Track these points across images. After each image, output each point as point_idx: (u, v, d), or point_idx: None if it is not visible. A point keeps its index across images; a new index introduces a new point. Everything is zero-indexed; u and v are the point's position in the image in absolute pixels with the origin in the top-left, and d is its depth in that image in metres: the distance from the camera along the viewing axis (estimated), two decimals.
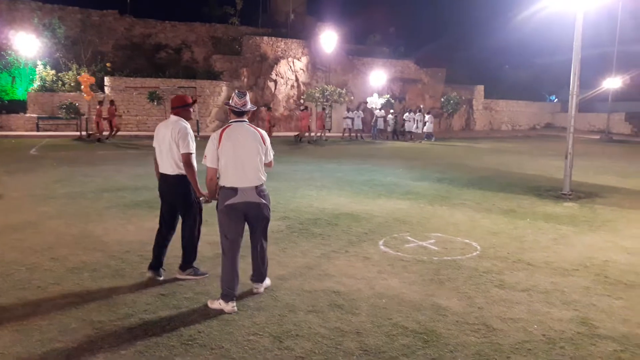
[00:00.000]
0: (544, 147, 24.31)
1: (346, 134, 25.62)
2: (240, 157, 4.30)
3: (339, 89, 25.30)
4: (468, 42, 40.71)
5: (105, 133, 21.24)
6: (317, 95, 24.85)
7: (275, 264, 5.43)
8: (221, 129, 4.44)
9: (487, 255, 6.04)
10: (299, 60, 30.17)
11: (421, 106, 28.86)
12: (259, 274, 4.71)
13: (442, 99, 30.18)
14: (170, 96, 25.87)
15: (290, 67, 29.67)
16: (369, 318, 4.14)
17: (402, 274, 5.28)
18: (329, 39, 27.68)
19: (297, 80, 29.93)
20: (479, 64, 39.52)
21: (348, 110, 25.37)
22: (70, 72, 26.61)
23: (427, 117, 26.64)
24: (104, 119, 21.24)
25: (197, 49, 31.00)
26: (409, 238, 6.72)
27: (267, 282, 4.82)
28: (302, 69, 30.26)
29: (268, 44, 29.49)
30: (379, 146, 23.00)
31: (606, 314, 4.36)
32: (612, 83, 30.07)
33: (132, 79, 26.84)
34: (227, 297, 4.27)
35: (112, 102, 22.06)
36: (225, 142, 4.30)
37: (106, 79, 26.47)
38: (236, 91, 4.63)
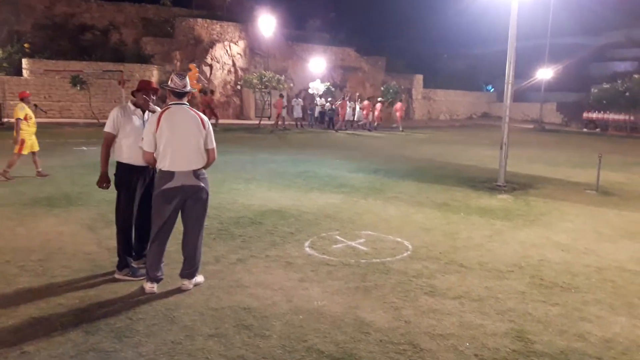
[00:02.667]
0: (479, 136, 24.64)
1: (280, 123, 24.87)
2: (178, 140, 4.21)
3: (277, 75, 24.46)
4: (407, 31, 40.89)
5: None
6: (254, 81, 23.92)
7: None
8: (160, 112, 4.33)
9: (419, 256, 5.61)
10: (235, 44, 29.03)
11: (357, 94, 28.50)
12: (189, 269, 4.43)
13: (382, 88, 29.95)
14: (96, 80, 24.28)
15: (227, 51, 28.50)
16: (280, 341, 3.56)
17: (326, 282, 4.74)
18: (267, 23, 26.74)
19: (234, 65, 28.80)
20: (417, 53, 39.77)
21: (280, 96, 24.60)
22: None
23: (357, 105, 26.39)
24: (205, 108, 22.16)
25: (126, 31, 29.16)
26: (337, 237, 6.19)
27: (199, 278, 4.54)
28: (240, 54, 29.16)
29: (203, 27, 28.14)
30: (318, 135, 22.48)
31: (543, 325, 4.00)
32: (545, 74, 30.93)
33: (53, 61, 24.81)
34: (150, 278, 4.33)
35: (212, 92, 23.77)
36: (163, 125, 4.20)
37: (24, 61, 24.36)
38: (175, 72, 4.57)
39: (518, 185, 10.32)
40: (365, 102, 26.43)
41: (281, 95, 24.62)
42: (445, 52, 44.12)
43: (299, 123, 25.88)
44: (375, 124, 26.38)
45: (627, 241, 6.51)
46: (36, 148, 9.73)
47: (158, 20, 29.65)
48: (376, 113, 26.35)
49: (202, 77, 26.20)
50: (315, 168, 11.85)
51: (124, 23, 29.57)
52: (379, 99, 27.82)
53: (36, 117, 10.02)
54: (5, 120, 20.61)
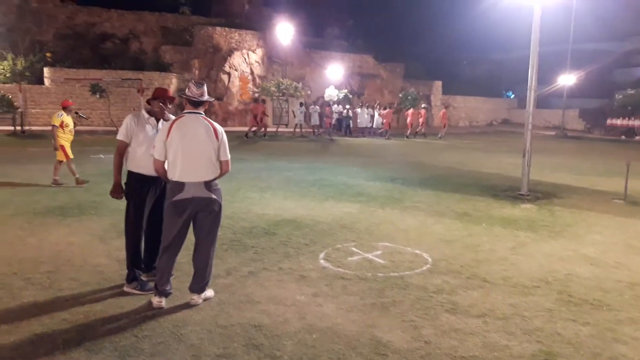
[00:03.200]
0: (500, 143, 24.19)
1: (297, 130, 24.74)
2: (189, 150, 4.06)
3: (295, 83, 24.40)
4: (426, 37, 40.56)
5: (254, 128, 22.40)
6: (272, 89, 23.89)
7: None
8: (172, 120, 4.19)
9: (439, 270, 5.36)
10: (254, 52, 29.09)
11: (377, 102, 28.34)
12: (199, 283, 4.25)
13: (400, 95, 29.68)
14: (115, 89, 24.49)
15: (245, 59, 28.56)
16: None
17: (341, 297, 4.52)
18: (285, 30, 26.74)
19: (252, 73, 28.84)
20: (436, 59, 39.38)
21: (301, 104, 24.53)
22: (5, 62, 24.70)
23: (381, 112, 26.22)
24: (255, 115, 22.58)
25: (145, 40, 29.44)
26: (353, 249, 5.97)
27: (209, 292, 4.36)
28: (258, 62, 29.20)
29: (221, 35, 28.27)
30: (335, 142, 22.28)
31: (573, 347, 3.72)
32: (567, 80, 30.32)
33: (74, 70, 25.14)
34: (159, 292, 4.17)
35: (263, 101, 23.96)
36: (174, 134, 4.06)
37: (45, 70, 24.72)
38: (193, 81, 4.38)
39: (542, 194, 9.97)
40: (385, 110, 26.12)
41: (263, 101, 24.17)
42: (465, 58, 43.62)
43: (316, 130, 25.72)
44: (422, 129, 26.27)
45: None
46: (70, 156, 9.81)
47: (177, 29, 29.87)
48: (421, 119, 26.46)
49: (252, 87, 26.59)
50: (331, 176, 11.65)
51: (143, 32, 29.86)
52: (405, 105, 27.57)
53: (80, 124, 10.38)
54: (27, 128, 20.86)
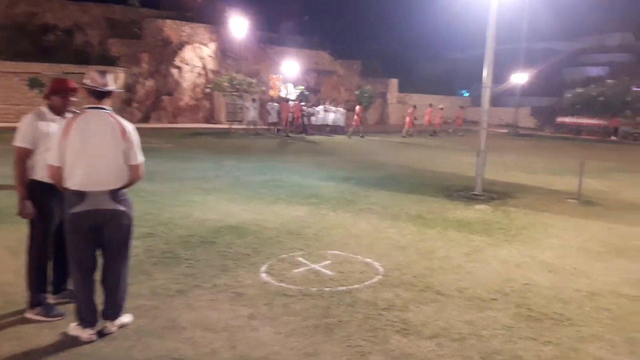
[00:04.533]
0: (455, 141, 24.25)
1: (251, 127, 24.05)
2: (91, 154, 3.45)
3: (249, 79, 23.68)
4: (383, 35, 40.57)
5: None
6: (225, 84, 23.09)
7: None
8: (71, 117, 3.58)
9: (390, 281, 4.93)
10: (206, 46, 28.13)
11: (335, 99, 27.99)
12: (112, 308, 3.62)
13: (357, 92, 29.41)
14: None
15: (197, 53, 27.57)
16: None
17: (280, 319, 4.01)
18: (239, 24, 25.93)
19: (204, 67, 27.89)
20: (393, 57, 39.42)
21: (253, 100, 23.86)
22: None
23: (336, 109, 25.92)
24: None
25: (91, 32, 27.96)
26: (300, 259, 5.47)
27: (125, 318, 3.73)
28: (210, 56, 28.25)
29: (172, 28, 27.19)
30: (291, 140, 21.76)
31: None
32: (520, 78, 30.80)
33: (13, 63, 23.57)
34: (85, 322, 3.53)
35: (286, 100, 24.49)
36: (74, 134, 3.43)
37: None
38: (97, 70, 3.76)
39: (496, 194, 9.76)
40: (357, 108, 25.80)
41: (286, 100, 24.88)
42: (421, 57, 43.89)
43: (273, 128, 25.08)
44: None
45: (617, 259, 5.95)
46: None
47: (125, 21, 28.54)
48: (437, 120, 26.94)
49: (281, 85, 26.20)
50: (284, 176, 11.12)
51: (88, 23, 28.37)
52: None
53: None
54: None
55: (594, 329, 4.06)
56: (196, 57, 27.51)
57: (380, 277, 5.05)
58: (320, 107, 26.00)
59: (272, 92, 25.37)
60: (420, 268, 5.38)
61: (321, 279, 4.92)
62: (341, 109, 26.29)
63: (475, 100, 39.97)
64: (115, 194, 3.52)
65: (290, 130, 23.60)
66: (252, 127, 23.69)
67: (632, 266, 5.70)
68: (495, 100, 36.61)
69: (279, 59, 30.05)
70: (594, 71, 36.10)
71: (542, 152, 20.08)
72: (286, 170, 12.13)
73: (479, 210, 8.40)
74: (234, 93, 23.43)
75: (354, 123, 24.76)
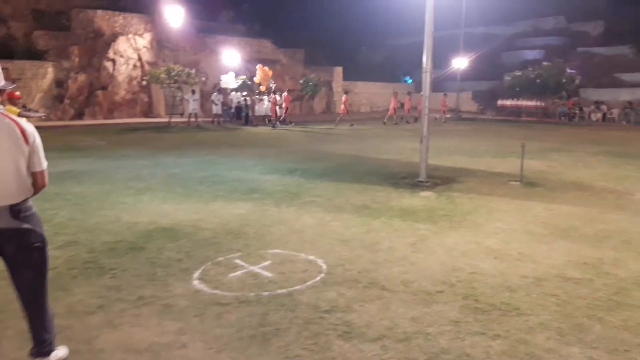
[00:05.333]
0: (400, 127, 24.35)
1: (192, 119, 23.24)
2: None
3: (187, 69, 22.79)
4: (325, 23, 40.20)
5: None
6: (162, 76, 22.12)
7: (14, 336, 3.49)
8: None
9: (334, 279, 4.66)
10: (141, 37, 26.87)
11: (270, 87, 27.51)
12: (39, 344, 3.10)
13: (301, 81, 29.03)
14: None
15: (132, 44, 26.29)
16: None
17: (212, 332, 3.65)
18: (175, 13, 24.95)
19: (140, 59, 26.63)
20: (336, 45, 39.17)
21: (193, 92, 23.06)
22: None
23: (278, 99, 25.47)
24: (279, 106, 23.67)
25: (14, 24, 26.11)
26: (237, 262, 5.11)
27: (60, 352, 3.21)
28: (146, 47, 27.02)
29: (103, 19, 25.79)
30: (234, 132, 21.18)
31: None
32: (460, 63, 31.29)
33: None
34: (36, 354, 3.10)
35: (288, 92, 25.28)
36: None
37: None
38: None
39: (440, 179, 9.70)
40: (285, 94, 25.37)
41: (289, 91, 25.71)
42: (364, 44, 43.88)
43: (216, 120, 24.31)
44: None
45: (561, 240, 5.93)
46: None
47: (52, 12, 26.78)
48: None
49: (271, 79, 26.07)
50: (225, 171, 10.66)
51: (11, 15, 26.45)
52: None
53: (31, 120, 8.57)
54: None
55: (541, 317, 3.93)
56: (131, 49, 26.24)
57: (323, 275, 4.76)
58: (260, 98, 25.45)
59: (262, 88, 25.58)
60: (365, 262, 5.14)
61: (260, 282, 4.58)
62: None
63: (419, 87, 40.40)
64: (16, 210, 2.95)
65: (278, 120, 24.08)
66: (193, 119, 22.89)
67: (575, 247, 5.68)
68: (438, 86, 37.12)
69: (220, 49, 29.19)
70: (531, 54, 37.17)
71: (485, 135, 20.42)
72: (227, 164, 11.66)
73: (424, 198, 8.28)
74: (172, 85, 22.50)
75: (341, 112, 24.87)
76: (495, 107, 33.84)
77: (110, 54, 25.30)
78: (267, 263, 5.07)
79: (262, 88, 25.72)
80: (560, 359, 3.33)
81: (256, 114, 25.59)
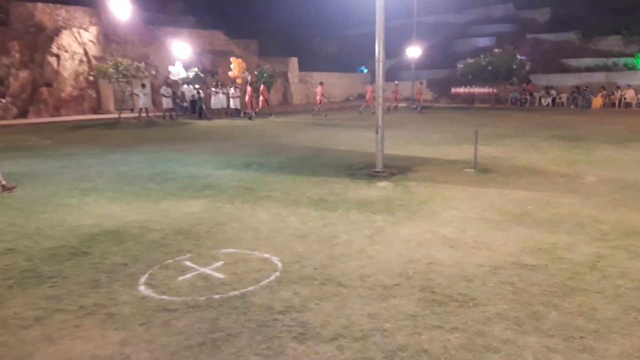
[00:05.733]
0: (357, 118, 24.34)
1: (143, 114, 22.54)
2: None
3: (136, 63, 22.00)
4: (279, 14, 39.72)
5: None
6: (110, 70, 21.29)
7: None
8: None
9: (289, 277, 4.50)
10: (86, 30, 25.77)
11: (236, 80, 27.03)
12: None
13: (256, 72, 28.57)
14: None
15: (77, 38, 25.19)
16: None
17: (159, 340, 3.44)
18: (121, 6, 23.97)
19: (86, 54, 25.57)
20: (291, 36, 38.81)
21: (143, 86, 22.33)
22: None
23: (232, 91, 25.09)
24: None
25: None
26: (187, 264, 4.88)
27: None
28: (92, 41, 25.95)
29: (44, 12, 24.57)
30: (187, 127, 20.64)
31: None
32: (414, 52, 31.52)
33: None
34: None
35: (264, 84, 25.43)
36: None
37: None
38: None
39: (397, 169, 9.67)
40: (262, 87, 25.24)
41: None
42: (318, 35, 43.65)
43: (167, 114, 23.64)
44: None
45: (516, 226, 5.96)
46: None
47: None
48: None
49: (245, 71, 26.11)
50: (177, 167, 10.31)
51: None
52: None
53: None
54: None
55: (498, 307, 3.90)
56: (76, 43, 25.13)
57: (278, 273, 4.60)
58: (232, 91, 25.01)
59: (238, 80, 25.59)
60: (322, 258, 5.01)
61: (211, 285, 4.37)
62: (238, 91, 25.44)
63: (374, 76, 40.61)
64: None
65: (256, 112, 24.31)
66: (144, 115, 22.17)
67: (529, 232, 5.72)
68: (393, 75, 37.45)
69: (171, 41, 28.36)
70: (482, 42, 37.82)
71: (440, 123, 20.65)
72: (179, 160, 11.30)
73: (381, 188, 8.22)
74: (120, 79, 21.70)
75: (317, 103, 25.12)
76: (449, 95, 34.33)
77: (54, 49, 24.14)
78: (219, 264, 4.86)
79: (239, 81, 25.68)
80: (518, 349, 3.29)
81: (212, 107, 25.07)
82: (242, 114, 24.88)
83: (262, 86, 25.46)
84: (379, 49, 9.15)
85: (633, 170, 9.37)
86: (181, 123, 22.18)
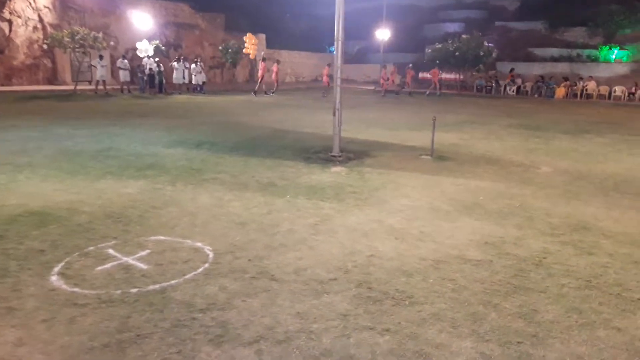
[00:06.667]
0: (324, 99, 23.94)
1: (100, 87, 21.63)
2: None
3: (94, 33, 20.96)
4: None
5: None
6: (66, 39, 20.22)
7: None
8: None
9: (219, 270, 4.19)
10: None
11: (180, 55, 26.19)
12: None
13: (220, 48, 27.75)
14: None
15: (31, 4, 23.81)
16: None
17: (59, 341, 3.08)
18: None
19: (41, 20, 24.24)
20: (259, 11, 37.80)
21: (101, 57, 21.36)
22: None
23: (194, 66, 24.35)
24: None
25: None
26: (110, 252, 4.50)
27: None
28: (48, 7, 24.59)
29: None
30: (145, 101, 19.86)
31: None
32: (383, 34, 31.17)
33: None
34: None
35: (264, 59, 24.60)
36: None
37: None
38: None
39: (354, 153, 9.41)
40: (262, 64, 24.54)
41: (264, 59, 24.90)
42: (288, 12, 42.72)
43: (125, 88, 22.70)
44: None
45: (465, 217, 5.78)
46: None
47: None
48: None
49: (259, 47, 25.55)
50: (124, 144, 9.79)
51: None
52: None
53: None
54: None
55: (436, 306, 3.68)
56: (30, 9, 23.76)
57: (207, 265, 4.28)
58: (175, 64, 24.16)
59: (248, 50, 25.32)
60: (259, 248, 4.71)
61: (130, 277, 4.01)
62: (200, 66, 24.68)
63: (345, 58, 40.13)
64: None
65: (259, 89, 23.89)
66: (101, 87, 21.24)
67: (478, 225, 5.55)
68: (362, 58, 37.14)
69: (133, 12, 27.19)
70: (452, 27, 37.74)
71: (405, 107, 20.46)
72: (129, 136, 10.75)
73: (334, 173, 7.94)
74: (77, 49, 20.66)
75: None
76: (417, 79, 34.19)
77: (6, 14, 22.76)
78: (144, 253, 4.50)
79: (252, 56, 25.74)
80: (450, 356, 3.07)
81: (174, 81, 24.24)
82: (202, 90, 24.20)
83: (261, 63, 24.83)
84: (337, 27, 8.79)
85: (587, 162, 9.36)
86: (138, 97, 21.35)
